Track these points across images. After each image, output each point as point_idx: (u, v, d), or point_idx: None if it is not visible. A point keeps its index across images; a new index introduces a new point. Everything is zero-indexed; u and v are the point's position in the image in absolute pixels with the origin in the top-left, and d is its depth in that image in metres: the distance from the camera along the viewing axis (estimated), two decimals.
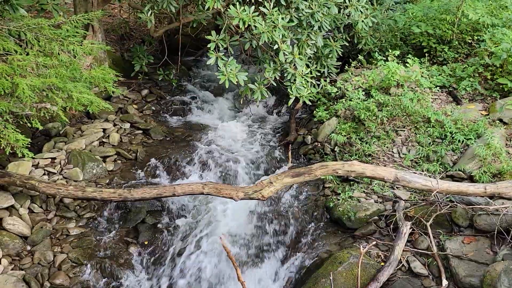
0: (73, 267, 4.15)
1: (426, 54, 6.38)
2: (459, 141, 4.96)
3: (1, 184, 4.43)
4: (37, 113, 4.21)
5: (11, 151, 3.83)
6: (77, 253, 4.26)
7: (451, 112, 5.36)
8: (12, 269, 4.02)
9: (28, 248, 4.27)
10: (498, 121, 5.18)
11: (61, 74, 4.05)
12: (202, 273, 4.30)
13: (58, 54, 4.13)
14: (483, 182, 4.38)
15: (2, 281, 3.83)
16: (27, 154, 3.88)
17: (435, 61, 6.43)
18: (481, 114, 5.36)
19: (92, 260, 4.22)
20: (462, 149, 4.95)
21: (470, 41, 6.35)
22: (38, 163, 5.02)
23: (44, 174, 4.94)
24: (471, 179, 4.59)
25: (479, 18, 6.00)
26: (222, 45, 5.31)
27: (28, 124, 4.17)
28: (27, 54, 3.99)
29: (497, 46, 5.61)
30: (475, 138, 4.93)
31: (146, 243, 4.51)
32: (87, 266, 4.18)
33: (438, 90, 5.83)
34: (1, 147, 3.71)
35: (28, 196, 4.61)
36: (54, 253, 4.24)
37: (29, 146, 3.92)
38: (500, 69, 5.67)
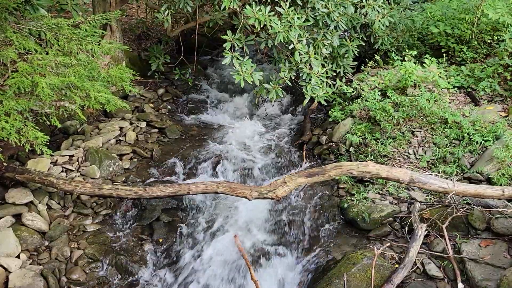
0: (89, 263, 4.23)
1: (444, 54, 6.28)
2: (477, 142, 4.87)
3: (20, 180, 4.52)
4: (56, 111, 4.28)
5: (30, 148, 3.90)
6: (93, 249, 4.33)
7: (469, 113, 5.27)
8: (30, 264, 4.11)
9: (46, 243, 4.35)
10: None
11: (80, 73, 4.11)
12: (215, 272, 4.32)
13: (77, 53, 4.19)
14: (501, 185, 4.30)
15: (21, 275, 3.92)
16: (46, 151, 3.95)
17: (453, 61, 6.33)
18: (500, 115, 5.26)
19: (108, 256, 4.29)
20: (480, 151, 4.86)
21: (489, 41, 6.22)
22: (57, 160, 5.13)
23: (62, 171, 5.04)
24: (488, 181, 4.51)
25: (499, 18, 5.88)
26: (237, 45, 5.33)
27: (47, 122, 4.25)
28: (47, 53, 4.06)
29: None
30: (493, 140, 4.84)
31: (160, 240, 4.56)
32: (103, 262, 4.26)
33: (456, 91, 5.74)
34: (21, 144, 3.79)
35: (47, 192, 4.70)
36: (71, 249, 4.33)
37: (48, 143, 3.99)
38: None
